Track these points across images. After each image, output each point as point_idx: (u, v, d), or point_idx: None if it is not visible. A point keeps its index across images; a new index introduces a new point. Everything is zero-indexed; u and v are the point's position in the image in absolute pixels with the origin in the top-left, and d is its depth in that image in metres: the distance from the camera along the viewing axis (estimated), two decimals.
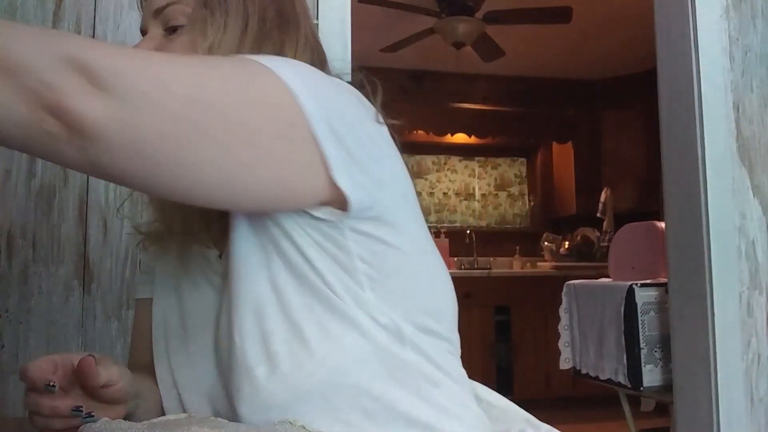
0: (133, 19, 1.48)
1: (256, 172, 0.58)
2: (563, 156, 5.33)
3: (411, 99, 4.82)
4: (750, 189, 1.80)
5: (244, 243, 0.66)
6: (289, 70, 0.60)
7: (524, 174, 5.48)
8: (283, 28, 0.76)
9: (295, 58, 0.73)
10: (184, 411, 0.74)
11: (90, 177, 1.45)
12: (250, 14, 0.73)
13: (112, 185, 1.45)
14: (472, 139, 5.14)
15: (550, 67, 4.95)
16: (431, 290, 0.73)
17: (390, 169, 0.68)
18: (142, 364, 0.80)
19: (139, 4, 0.81)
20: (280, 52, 0.74)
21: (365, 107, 0.69)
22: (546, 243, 5.11)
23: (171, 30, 0.74)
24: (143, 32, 0.78)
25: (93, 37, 1.47)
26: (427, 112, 4.90)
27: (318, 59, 0.78)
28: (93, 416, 0.64)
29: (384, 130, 0.70)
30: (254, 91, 0.58)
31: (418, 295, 0.71)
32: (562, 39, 4.31)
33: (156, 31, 0.75)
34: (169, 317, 0.78)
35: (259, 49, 0.72)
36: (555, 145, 5.39)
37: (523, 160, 5.49)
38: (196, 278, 0.76)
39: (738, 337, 1.73)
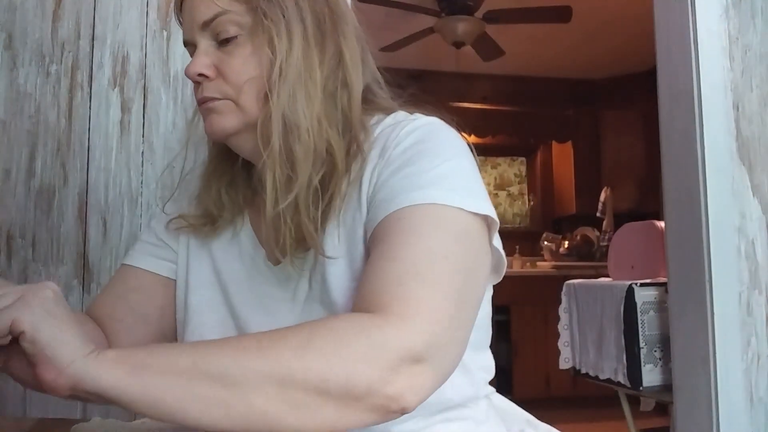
0: (132, 19, 1.48)
1: (481, 288, 0.68)
2: (563, 156, 5.33)
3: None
4: (750, 189, 1.80)
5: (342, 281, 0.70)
6: (461, 193, 0.66)
7: (524, 173, 5.48)
8: (336, 22, 0.76)
9: (348, 50, 0.75)
10: None
11: (90, 177, 1.45)
12: (305, 15, 0.73)
13: (111, 185, 1.45)
14: (472, 139, 5.14)
15: (550, 67, 4.95)
16: (489, 328, 0.81)
17: None
18: (96, 315, 0.82)
19: (177, 15, 0.79)
20: (338, 50, 0.74)
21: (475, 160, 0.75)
22: (546, 243, 5.11)
23: (223, 42, 0.73)
24: (188, 44, 0.76)
25: (92, 36, 1.47)
26: (426, 111, 4.89)
27: (361, 46, 0.78)
28: None
29: None
30: (464, 248, 0.65)
31: (487, 338, 0.80)
32: (562, 39, 4.31)
33: (206, 43, 0.73)
34: (213, 311, 0.79)
35: (322, 49, 0.73)
36: (555, 145, 5.39)
37: (523, 159, 5.49)
38: (248, 281, 0.79)
39: (738, 336, 1.73)
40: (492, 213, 0.67)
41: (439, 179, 0.66)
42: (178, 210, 0.85)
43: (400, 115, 0.76)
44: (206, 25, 0.72)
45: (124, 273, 0.86)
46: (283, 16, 0.71)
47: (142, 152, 1.47)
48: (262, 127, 0.71)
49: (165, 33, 1.49)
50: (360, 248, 0.70)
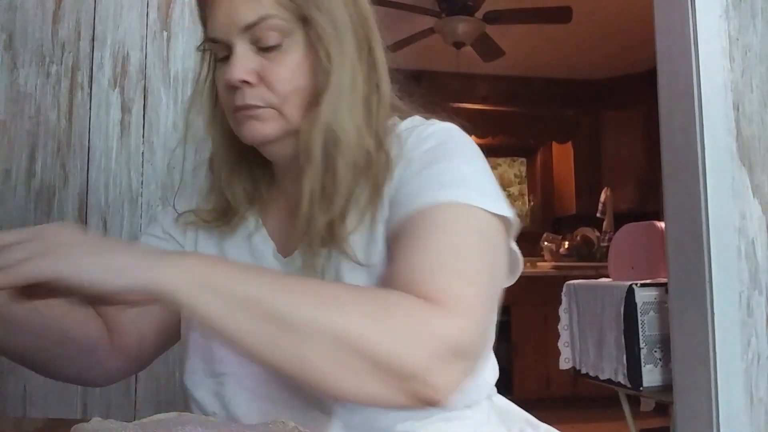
0: (133, 19, 1.48)
1: (500, 288, 0.68)
2: (563, 156, 5.33)
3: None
4: (750, 189, 1.79)
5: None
6: (483, 193, 0.68)
7: (524, 174, 5.48)
8: (369, 28, 0.75)
9: (379, 55, 0.75)
10: (219, 402, 0.73)
11: (90, 177, 1.45)
12: (351, 25, 0.72)
13: (111, 186, 1.45)
14: (472, 139, 5.14)
15: (550, 67, 4.95)
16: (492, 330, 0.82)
17: None
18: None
19: (201, 9, 0.75)
20: (372, 55, 0.74)
21: None
22: (546, 243, 5.11)
23: (265, 47, 0.70)
24: (217, 42, 0.72)
25: (93, 37, 1.47)
26: (426, 112, 4.90)
27: (383, 47, 0.78)
28: None
29: None
30: (491, 248, 0.67)
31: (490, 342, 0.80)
32: (562, 39, 4.31)
33: (245, 47, 0.70)
34: None
35: (360, 56, 0.73)
36: (555, 145, 5.39)
37: (523, 160, 5.49)
38: None
39: (738, 337, 1.73)
40: (511, 215, 0.69)
41: (462, 179, 0.68)
42: (187, 205, 0.84)
43: (416, 119, 0.77)
44: (248, 28, 0.69)
45: None
46: (335, 26, 0.70)
47: (143, 153, 1.47)
48: (305, 138, 0.70)
49: (165, 33, 1.49)
50: (380, 246, 0.70)
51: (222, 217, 0.80)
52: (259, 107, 0.71)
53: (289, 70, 0.70)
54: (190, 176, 0.86)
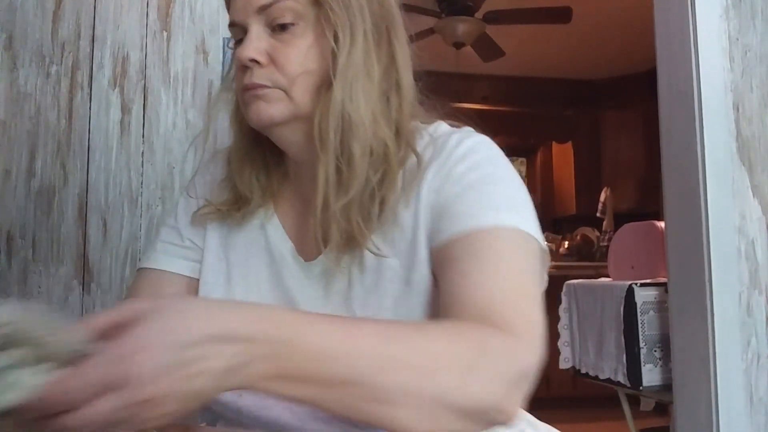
0: (133, 19, 1.48)
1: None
2: (563, 156, 5.33)
3: None
4: (750, 189, 1.80)
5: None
6: (529, 219, 0.69)
7: (524, 174, 5.49)
8: (391, 24, 0.75)
9: (400, 53, 0.75)
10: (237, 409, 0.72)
11: (90, 177, 1.45)
12: (367, 11, 0.72)
13: (111, 186, 1.45)
14: None
15: (550, 67, 4.95)
16: None
17: None
18: None
19: (225, 1, 0.76)
20: (391, 50, 0.74)
21: None
22: (546, 243, 5.11)
23: (278, 28, 0.71)
24: (237, 26, 0.73)
25: (93, 37, 1.47)
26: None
27: (409, 48, 0.78)
28: None
29: None
30: (539, 271, 0.69)
31: None
32: (562, 39, 4.31)
33: (259, 28, 0.71)
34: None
35: (379, 48, 0.73)
36: (555, 145, 5.39)
37: (523, 160, 5.49)
38: (272, 276, 0.77)
39: (738, 337, 1.73)
40: (545, 246, 0.71)
41: (516, 205, 0.69)
42: (201, 195, 0.83)
43: (444, 126, 0.77)
44: (263, 9, 0.70)
45: (149, 277, 0.82)
46: (347, 10, 0.70)
47: (142, 152, 1.47)
48: (319, 122, 0.70)
49: (165, 33, 1.49)
50: (421, 252, 0.70)
51: (237, 209, 0.80)
52: (266, 87, 0.71)
53: (299, 52, 0.71)
54: (206, 168, 0.85)
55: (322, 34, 0.71)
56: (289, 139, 0.74)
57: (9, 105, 1.43)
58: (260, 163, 0.80)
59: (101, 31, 1.47)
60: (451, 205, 0.69)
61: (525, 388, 0.58)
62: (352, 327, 0.55)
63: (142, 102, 1.47)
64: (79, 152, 1.45)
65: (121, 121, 1.47)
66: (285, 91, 0.71)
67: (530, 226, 0.68)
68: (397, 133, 0.72)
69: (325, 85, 0.70)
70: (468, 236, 0.66)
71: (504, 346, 0.57)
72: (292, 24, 0.70)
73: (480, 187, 0.69)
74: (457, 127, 0.79)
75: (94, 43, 1.47)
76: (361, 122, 0.69)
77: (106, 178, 1.45)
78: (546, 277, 0.73)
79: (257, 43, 0.71)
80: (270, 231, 0.79)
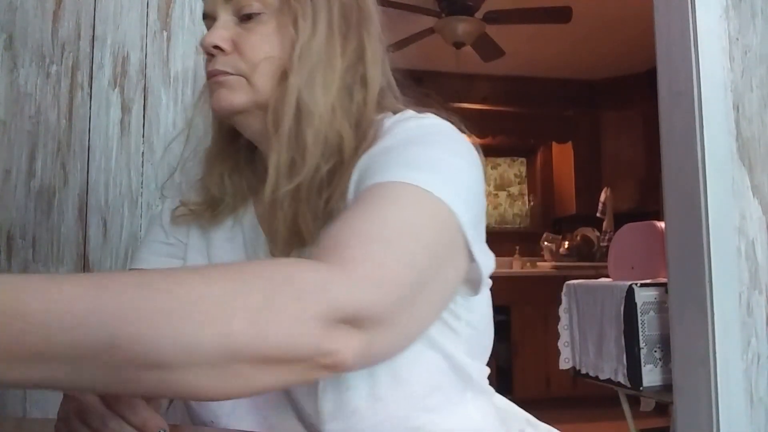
0: (133, 19, 1.48)
1: (446, 285, 0.63)
2: (563, 156, 5.33)
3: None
4: (750, 189, 1.79)
5: None
6: (450, 188, 0.62)
7: (524, 174, 5.48)
8: (362, 17, 0.75)
9: (370, 48, 0.74)
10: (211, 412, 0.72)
11: (90, 177, 1.45)
12: (333, 2, 0.72)
13: (111, 186, 1.45)
14: (472, 139, 5.10)
15: (550, 67, 4.95)
16: (491, 332, 0.79)
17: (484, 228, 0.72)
18: None
19: None
20: (360, 45, 0.73)
21: (483, 177, 0.71)
22: (546, 243, 5.11)
23: (245, 17, 0.71)
24: (208, 17, 0.74)
25: (93, 37, 1.47)
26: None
27: (383, 47, 0.78)
28: None
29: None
30: (437, 236, 0.60)
31: (489, 343, 0.78)
32: (562, 39, 4.31)
33: (227, 17, 0.72)
34: None
35: (345, 40, 0.72)
36: (555, 145, 5.39)
37: (523, 160, 5.49)
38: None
39: (738, 337, 1.73)
40: (463, 219, 0.62)
41: (429, 165, 0.63)
42: (178, 195, 0.84)
43: (409, 112, 0.75)
44: None
45: None
46: (312, 0, 0.71)
47: (143, 153, 1.47)
48: (274, 108, 0.70)
49: (165, 33, 1.49)
50: None
51: (212, 209, 0.80)
52: (228, 74, 0.71)
53: (262, 38, 0.71)
54: (185, 168, 0.85)
55: (285, 22, 0.71)
56: (252, 127, 0.74)
57: (9, 105, 1.43)
58: (232, 163, 0.80)
59: (101, 31, 1.47)
60: (366, 171, 0.66)
61: (358, 326, 0.50)
62: (104, 279, 0.45)
63: (142, 102, 1.47)
64: (79, 152, 1.45)
65: (121, 121, 1.47)
66: (247, 78, 0.71)
67: (441, 189, 0.61)
68: (357, 126, 0.71)
69: (286, 73, 0.70)
70: (364, 190, 0.62)
71: (314, 280, 0.49)
72: (259, 13, 0.71)
73: (398, 149, 0.66)
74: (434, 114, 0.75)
75: (94, 43, 1.47)
76: (317, 112, 0.68)
77: (106, 178, 1.45)
78: (476, 262, 0.65)
79: (222, 30, 0.71)
80: (246, 227, 0.79)
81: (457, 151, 0.67)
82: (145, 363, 0.42)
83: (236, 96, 0.72)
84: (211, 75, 0.72)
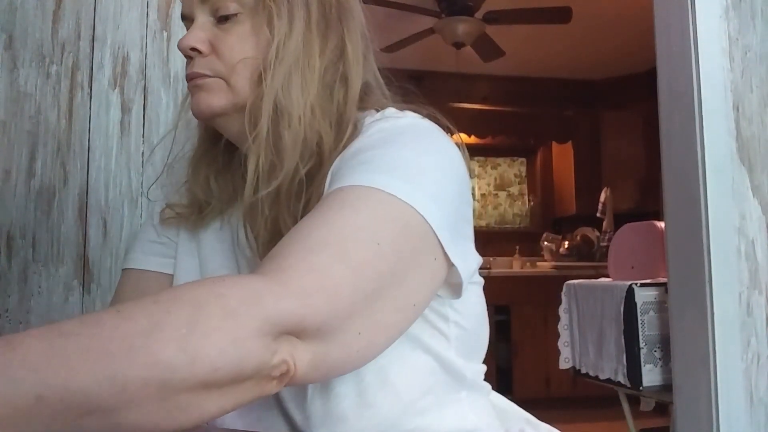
0: (133, 19, 1.48)
1: (416, 291, 0.60)
2: (563, 156, 5.33)
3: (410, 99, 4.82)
4: (750, 189, 1.80)
5: None
6: (418, 190, 0.59)
7: (524, 174, 5.48)
8: (343, 15, 0.74)
9: (350, 45, 0.72)
10: None
11: (90, 177, 1.45)
12: (310, 1, 0.71)
13: (111, 186, 1.45)
14: (472, 139, 5.14)
15: (550, 67, 4.95)
16: (485, 331, 0.78)
17: (471, 228, 0.71)
18: None
19: None
20: (341, 43, 0.72)
21: (467, 179, 0.68)
22: (546, 243, 5.11)
23: (222, 18, 0.70)
24: (186, 18, 0.73)
25: (93, 37, 1.47)
26: (426, 113, 4.90)
27: (365, 44, 0.76)
28: None
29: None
30: (398, 240, 0.58)
31: (483, 343, 0.77)
32: (562, 39, 4.31)
33: (204, 18, 0.71)
34: None
35: (324, 39, 0.71)
36: (555, 145, 5.39)
37: (523, 160, 5.49)
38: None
39: (738, 337, 1.73)
40: (435, 222, 0.59)
41: (396, 167, 0.60)
42: (165, 198, 0.83)
43: (389, 111, 0.72)
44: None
45: (131, 277, 0.82)
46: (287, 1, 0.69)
47: (143, 153, 1.47)
48: (251, 109, 0.68)
49: (165, 33, 1.49)
50: None
51: (198, 212, 0.79)
52: (206, 76, 0.70)
53: (239, 39, 0.70)
54: (172, 171, 0.84)
55: (261, 22, 0.70)
56: (232, 129, 0.73)
57: (9, 105, 1.42)
58: (217, 165, 0.80)
59: (101, 31, 1.47)
60: (335, 175, 0.64)
61: (303, 337, 0.49)
62: (13, 338, 0.41)
63: (142, 102, 1.47)
64: (79, 152, 1.45)
65: (121, 121, 1.47)
66: (225, 80, 0.70)
67: (408, 191, 0.58)
68: (338, 125, 0.70)
69: (265, 75, 0.69)
70: (327, 194, 0.61)
71: (244, 296, 0.47)
72: (236, 14, 0.70)
73: (368, 151, 0.64)
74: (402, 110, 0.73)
75: (94, 43, 1.47)
76: (296, 113, 0.67)
77: (106, 178, 1.45)
78: (455, 267, 0.63)
79: (199, 32, 0.70)
80: (236, 228, 0.78)
81: (433, 150, 0.65)
82: (80, 409, 0.40)
83: (215, 98, 0.71)
84: (190, 78, 0.71)
